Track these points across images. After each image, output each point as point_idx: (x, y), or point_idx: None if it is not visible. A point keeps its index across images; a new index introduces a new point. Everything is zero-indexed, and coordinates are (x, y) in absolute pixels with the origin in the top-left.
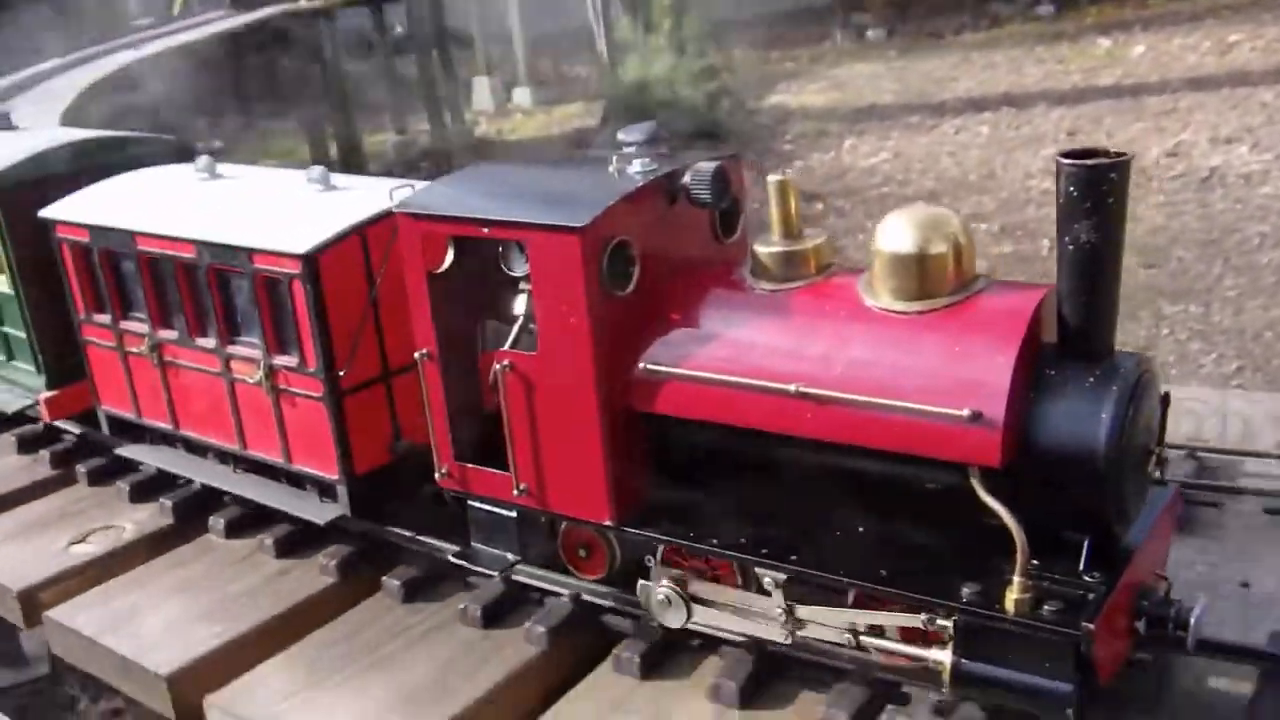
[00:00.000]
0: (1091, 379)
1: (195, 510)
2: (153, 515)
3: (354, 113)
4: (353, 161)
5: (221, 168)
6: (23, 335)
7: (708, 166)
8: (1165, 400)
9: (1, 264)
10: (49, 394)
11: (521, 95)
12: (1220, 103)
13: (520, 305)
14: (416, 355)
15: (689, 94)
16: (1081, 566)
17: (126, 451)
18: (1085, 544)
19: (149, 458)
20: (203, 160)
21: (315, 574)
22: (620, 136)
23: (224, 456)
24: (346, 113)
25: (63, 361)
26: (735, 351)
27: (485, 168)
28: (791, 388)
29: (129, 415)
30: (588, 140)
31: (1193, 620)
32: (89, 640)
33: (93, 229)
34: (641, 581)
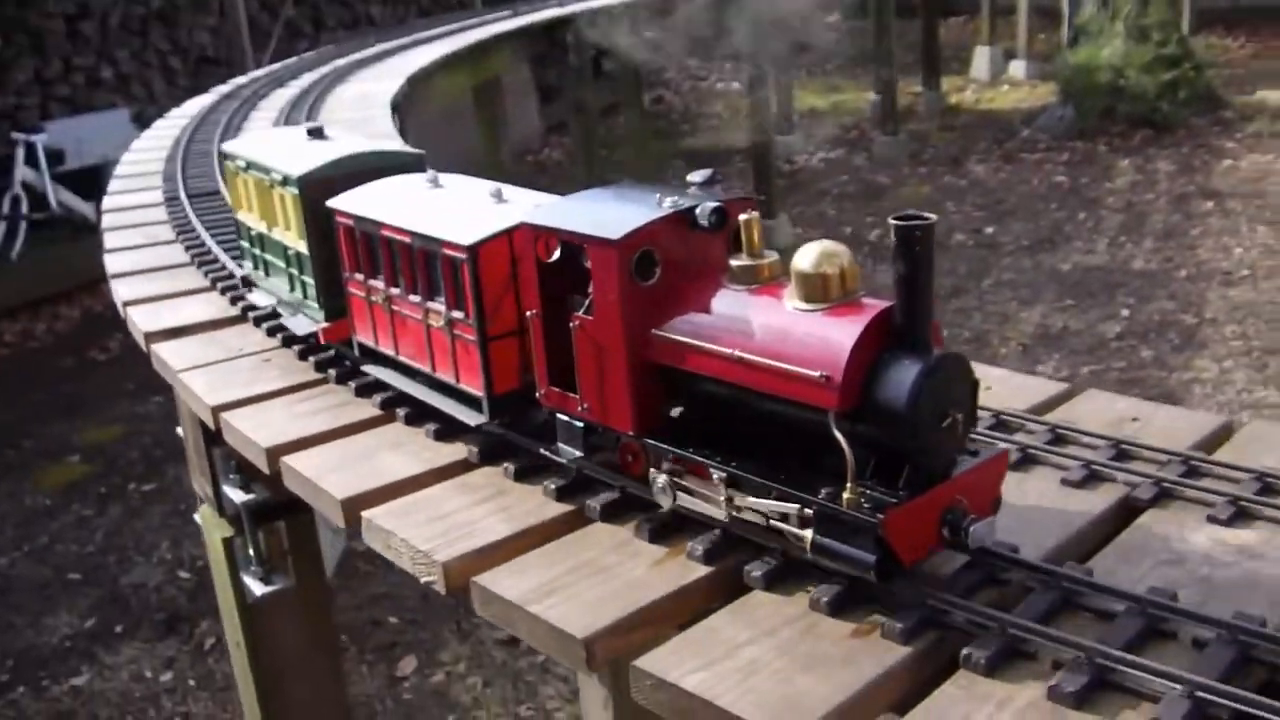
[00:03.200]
0: (907, 361)
1: (396, 404)
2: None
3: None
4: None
5: (442, 178)
6: (312, 282)
7: (709, 204)
8: (976, 385)
9: (302, 233)
10: (325, 325)
11: (1017, 68)
12: None
13: (589, 287)
14: (527, 314)
15: (1139, 80)
16: (900, 485)
17: (367, 369)
18: (905, 471)
19: (379, 374)
20: (430, 173)
21: (464, 454)
22: (688, 178)
23: (422, 376)
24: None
25: (333, 303)
26: (710, 327)
27: (588, 193)
28: (733, 353)
29: (370, 343)
30: (1035, 118)
31: (971, 530)
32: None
33: (356, 217)
34: (655, 479)
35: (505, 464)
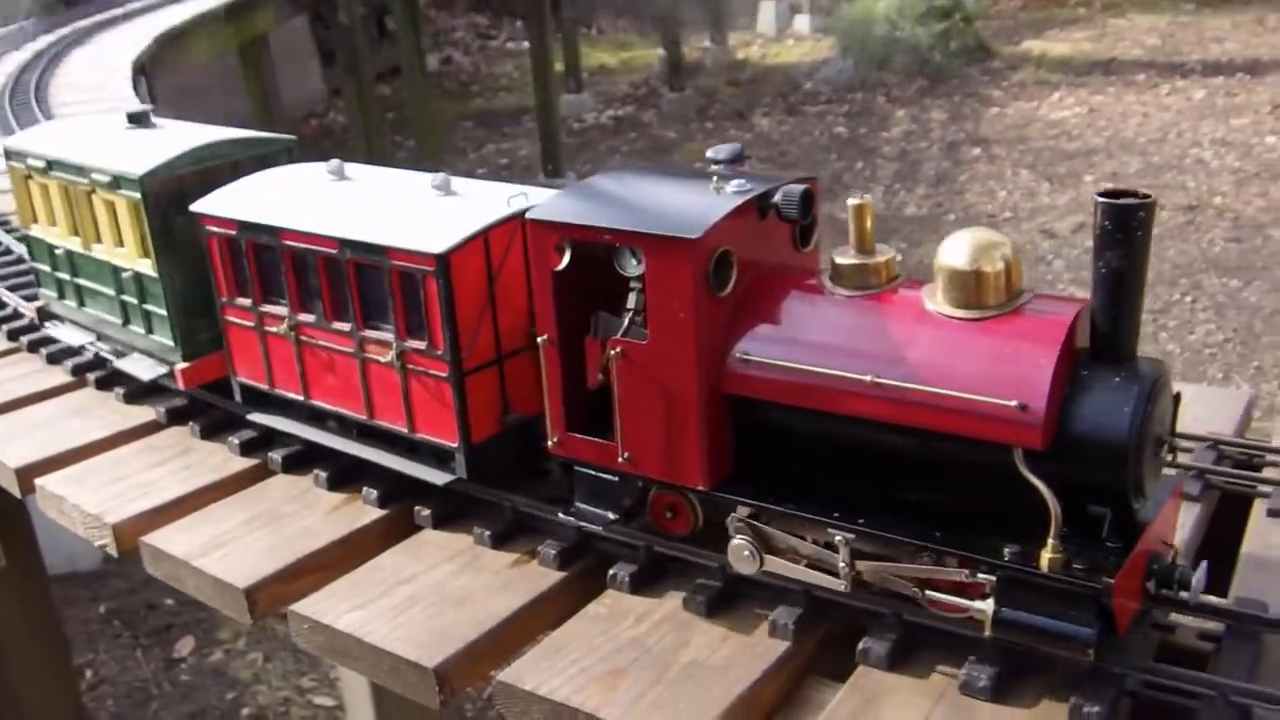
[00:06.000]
0: (1117, 379)
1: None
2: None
3: (577, 32)
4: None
5: (348, 169)
6: (163, 312)
7: (796, 189)
8: (1177, 399)
9: (147, 249)
10: (184, 365)
11: (801, 22)
12: None
13: (632, 300)
14: (539, 340)
15: (913, 32)
16: (1104, 535)
17: (257, 418)
18: (1107, 516)
19: (277, 425)
20: (333, 163)
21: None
22: (709, 154)
23: (345, 424)
24: (570, 32)
25: (196, 337)
26: (818, 345)
27: (602, 179)
28: (868, 378)
29: (260, 385)
30: (817, 71)
31: (1194, 582)
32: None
33: (240, 224)
34: (733, 540)
35: (192, 423)
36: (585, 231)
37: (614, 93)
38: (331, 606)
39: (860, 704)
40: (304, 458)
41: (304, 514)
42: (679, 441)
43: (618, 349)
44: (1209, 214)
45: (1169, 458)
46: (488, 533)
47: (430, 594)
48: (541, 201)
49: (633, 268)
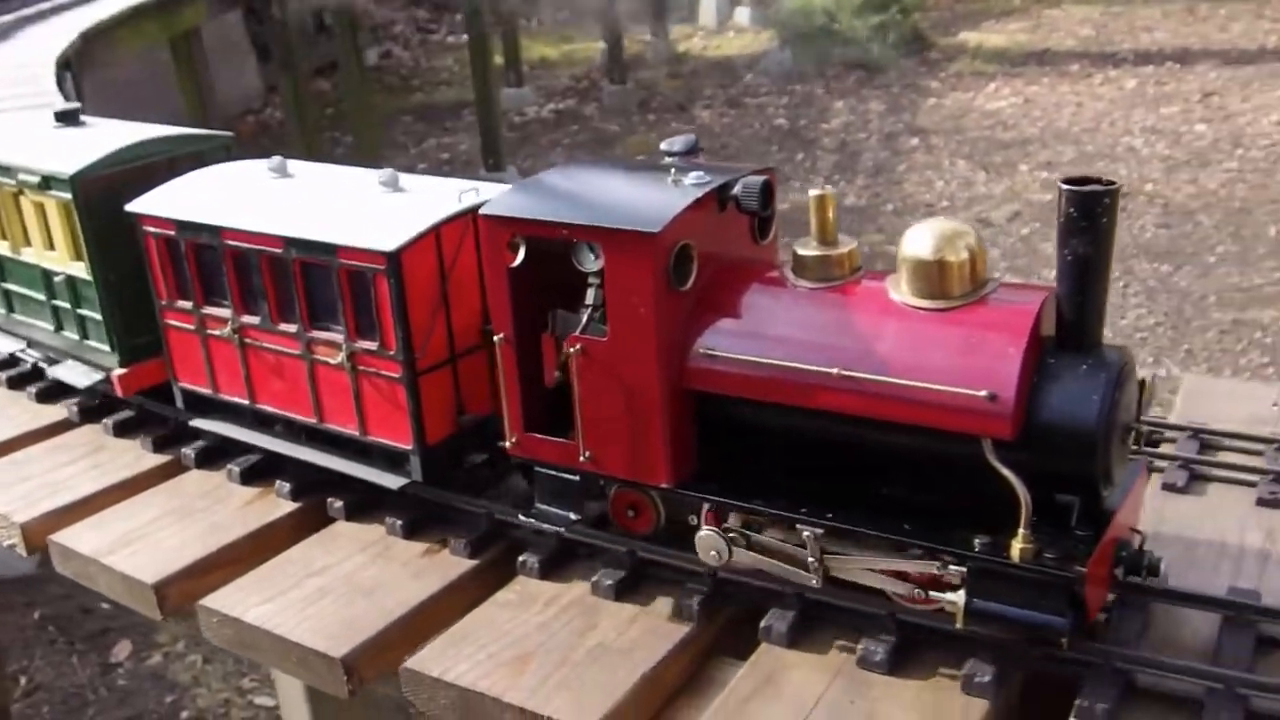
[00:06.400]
0: (1084, 367)
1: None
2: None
3: (517, 24)
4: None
5: (291, 166)
6: (98, 317)
7: (756, 180)
8: (1142, 385)
9: (80, 252)
10: (122, 371)
11: (742, 14)
12: None
13: (590, 296)
14: (495, 339)
15: (850, 24)
16: (1073, 523)
17: (200, 424)
18: (1076, 504)
19: (221, 431)
20: (275, 160)
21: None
22: (663, 147)
23: (293, 428)
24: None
25: (134, 341)
26: (782, 339)
27: (555, 174)
28: (834, 371)
29: (204, 390)
30: (757, 63)
31: (1162, 568)
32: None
33: (179, 224)
34: (699, 534)
35: (105, 419)
36: (541, 227)
37: (555, 86)
38: (241, 600)
39: (761, 681)
40: (217, 453)
41: (216, 509)
42: (642, 439)
43: (576, 346)
44: (1140, 201)
45: (1135, 445)
46: (399, 523)
47: (340, 585)
48: (494, 197)
49: (591, 263)
